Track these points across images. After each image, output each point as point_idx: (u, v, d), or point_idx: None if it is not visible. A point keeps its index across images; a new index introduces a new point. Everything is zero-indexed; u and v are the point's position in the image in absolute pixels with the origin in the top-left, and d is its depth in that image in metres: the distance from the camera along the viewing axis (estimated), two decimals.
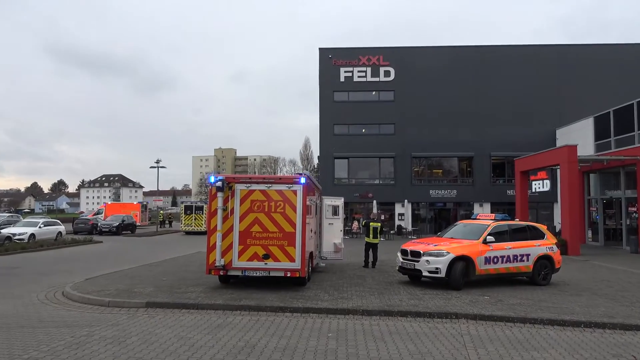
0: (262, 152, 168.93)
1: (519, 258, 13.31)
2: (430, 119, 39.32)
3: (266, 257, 11.66)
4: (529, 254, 13.45)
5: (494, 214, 14.66)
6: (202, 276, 13.81)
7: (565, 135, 35.09)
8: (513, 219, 15.33)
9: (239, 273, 11.92)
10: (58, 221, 32.85)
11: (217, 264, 11.62)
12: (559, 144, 34.97)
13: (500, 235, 13.29)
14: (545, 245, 13.86)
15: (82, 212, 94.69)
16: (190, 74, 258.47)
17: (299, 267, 11.62)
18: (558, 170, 27.49)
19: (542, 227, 14.57)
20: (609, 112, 29.15)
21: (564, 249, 21.59)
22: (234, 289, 11.93)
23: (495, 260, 12.92)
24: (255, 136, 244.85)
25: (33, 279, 14.29)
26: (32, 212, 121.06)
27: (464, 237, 13.41)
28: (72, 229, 38.43)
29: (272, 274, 11.79)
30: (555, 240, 14.38)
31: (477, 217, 15.00)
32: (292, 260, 11.62)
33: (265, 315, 9.75)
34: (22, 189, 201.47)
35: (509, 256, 13.13)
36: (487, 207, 38.58)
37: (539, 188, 29.79)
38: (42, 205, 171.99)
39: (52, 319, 9.35)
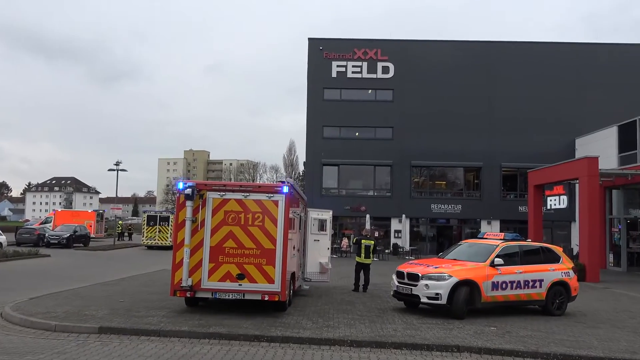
0: (239, 156, 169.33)
1: (530, 284, 13.39)
2: (433, 123, 39.63)
3: (241, 277, 11.61)
4: (542, 280, 13.55)
5: (503, 233, 14.74)
6: (166, 298, 13.68)
7: (586, 146, 35.58)
8: (525, 239, 15.43)
9: (208, 295, 11.85)
10: None
11: (183, 284, 11.54)
12: (578, 155, 35.43)
13: (510, 258, 13.37)
14: (561, 270, 13.98)
15: (28, 221, 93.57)
16: (158, 63, 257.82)
17: (279, 290, 11.58)
18: (577, 185, 27.82)
19: (558, 249, 14.70)
20: (635, 120, 29.64)
21: (582, 274, 21.79)
22: (203, 314, 11.84)
23: (504, 285, 12.99)
24: (232, 137, 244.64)
25: None
26: None
27: (469, 259, 13.47)
28: (15, 240, 37.90)
29: (248, 296, 11.73)
30: (571, 265, 14.50)
31: (485, 237, 15.08)
32: (271, 281, 11.59)
33: (238, 345, 9.68)
34: None
35: (519, 281, 13.21)
36: (496, 225, 38.87)
37: (555, 205, 30.07)
38: None
39: None
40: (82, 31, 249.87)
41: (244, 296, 11.71)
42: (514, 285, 13.14)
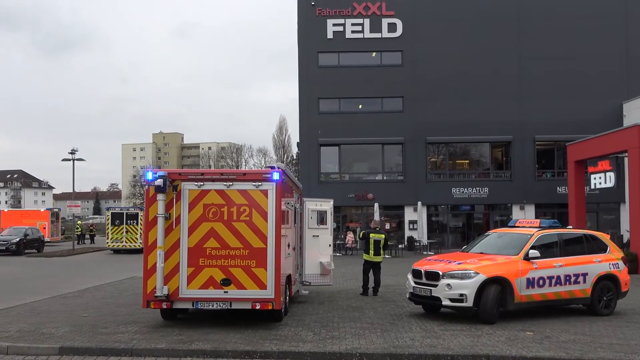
0: (219, 138, 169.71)
1: (572, 279, 13.47)
2: (452, 90, 39.59)
3: (226, 282, 11.67)
4: (587, 274, 13.64)
5: (539, 220, 14.81)
6: (138, 310, 13.77)
7: (636, 111, 35.59)
8: (565, 226, 15.52)
9: (188, 305, 11.91)
10: None
11: (158, 293, 11.59)
12: (626, 122, 35.46)
13: (547, 249, 13.45)
14: (609, 262, 14.07)
15: None
16: (113, 28, 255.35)
17: (272, 297, 11.64)
18: (626, 159, 27.84)
19: (605, 237, 14.79)
20: None
21: (634, 265, 21.91)
22: (183, 328, 11.92)
23: (541, 282, 13.07)
24: (209, 116, 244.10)
25: None
26: None
27: (499, 252, 13.56)
28: None
29: (235, 305, 11.79)
30: (621, 255, 14.61)
31: (517, 225, 15.14)
32: (263, 286, 11.64)
33: None
34: None
35: (559, 276, 13.29)
36: (531, 210, 39.05)
37: (601, 184, 30.13)
38: None
39: None
40: None
41: (230, 305, 11.77)
42: (553, 281, 13.22)
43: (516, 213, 38.74)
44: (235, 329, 11.70)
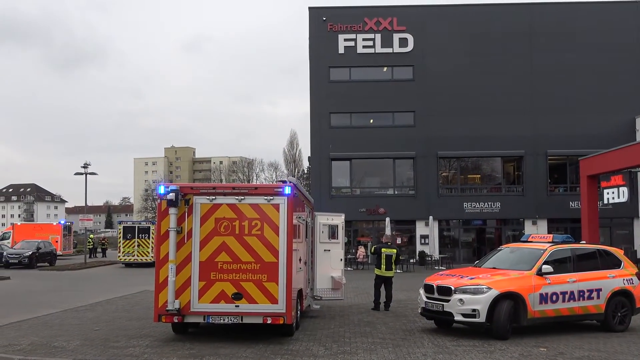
0: (230, 153, 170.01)
1: (586, 295, 13.36)
2: (463, 104, 39.56)
3: (238, 297, 11.67)
4: (601, 289, 13.53)
5: (552, 235, 14.75)
6: (150, 324, 13.78)
7: None
8: (578, 241, 15.41)
9: (200, 319, 11.92)
10: None
11: (169, 307, 11.60)
12: (639, 137, 35.30)
13: (560, 264, 13.38)
14: (623, 277, 13.95)
15: None
16: (126, 42, 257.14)
17: (284, 311, 11.62)
18: (639, 174, 27.68)
19: (618, 252, 14.68)
20: None
21: None
22: (194, 342, 11.92)
23: (555, 297, 12.99)
24: (221, 131, 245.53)
25: None
26: None
27: (511, 267, 13.48)
28: None
29: (247, 320, 11.79)
30: (635, 270, 14.46)
31: (529, 240, 15.09)
32: (274, 301, 11.63)
33: None
34: None
35: (572, 292, 13.19)
36: (543, 225, 38.80)
37: (614, 198, 29.96)
38: None
39: None
40: (29, 4, 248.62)
41: (242, 319, 11.77)
42: (567, 296, 13.13)
43: (528, 228, 38.49)
44: (246, 344, 11.68)
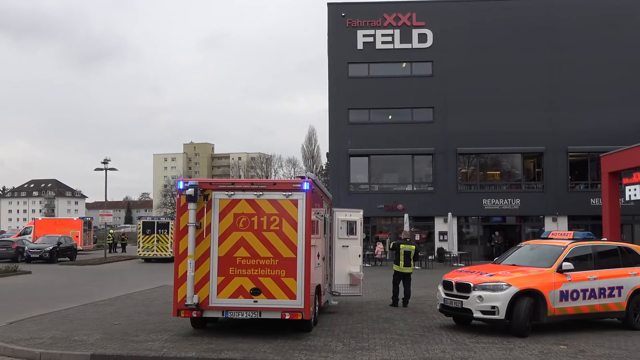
0: (249, 149, 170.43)
1: (607, 292, 13.26)
2: (483, 100, 39.36)
3: (256, 292, 11.70)
4: (622, 287, 13.43)
5: (572, 232, 14.63)
6: (169, 319, 13.87)
7: None
8: (599, 238, 15.27)
9: (218, 314, 11.97)
10: None
11: (188, 302, 11.67)
12: None
13: (581, 261, 13.28)
14: None
15: (3, 232, 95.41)
16: (144, 39, 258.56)
17: (302, 307, 11.64)
18: None
19: None
20: None
21: None
22: (212, 337, 11.98)
23: (575, 295, 12.89)
24: (239, 126, 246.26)
25: None
26: None
27: (531, 264, 13.40)
28: None
29: (265, 315, 11.83)
30: None
31: (550, 236, 14.98)
32: (292, 296, 11.65)
33: None
34: None
35: (593, 290, 13.10)
36: (563, 222, 38.50)
37: (636, 195, 29.63)
38: None
39: None
40: (49, 1, 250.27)
41: (260, 315, 11.81)
42: (587, 294, 13.03)
43: (548, 225, 38.21)
44: (264, 339, 11.72)
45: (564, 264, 12.91)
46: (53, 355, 10.55)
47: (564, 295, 12.74)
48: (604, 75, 38.71)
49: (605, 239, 16.53)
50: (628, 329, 13.40)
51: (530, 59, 39.42)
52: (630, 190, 29.83)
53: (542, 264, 13.16)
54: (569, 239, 14.07)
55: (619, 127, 37.09)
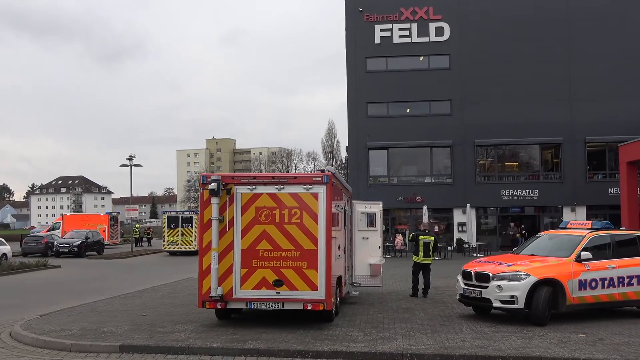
0: (269, 143, 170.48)
1: (626, 281, 13.15)
2: (500, 92, 39.08)
3: (278, 283, 11.77)
4: None
5: (590, 222, 14.52)
6: (194, 310, 13.99)
7: None
8: (617, 228, 15.12)
9: (242, 306, 12.06)
10: (2, 240, 33.59)
11: (213, 293, 11.77)
12: None
13: (600, 251, 13.18)
14: None
15: (33, 228, 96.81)
16: (164, 35, 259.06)
17: (323, 297, 11.69)
18: None
19: None
20: None
21: None
22: (237, 327, 12.07)
23: (594, 284, 12.80)
24: (260, 122, 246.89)
25: None
26: None
27: (550, 254, 13.33)
28: (21, 250, 39.27)
29: (287, 306, 11.89)
30: None
31: (568, 226, 14.88)
32: (314, 287, 11.71)
33: None
34: None
35: (612, 278, 12.99)
36: (582, 212, 38.17)
37: None
38: None
39: None
40: (70, 1, 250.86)
41: (283, 306, 11.87)
42: (606, 283, 12.93)
43: (567, 215, 37.89)
44: (287, 329, 11.77)
45: (583, 253, 12.83)
46: (83, 346, 10.70)
47: (582, 285, 12.66)
48: (621, 66, 38.18)
49: (624, 228, 16.38)
50: None
51: (548, 50, 38.98)
52: None
53: (561, 254, 13.08)
54: (587, 229, 13.96)
55: (636, 117, 36.62)
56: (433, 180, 40.67)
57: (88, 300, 16.50)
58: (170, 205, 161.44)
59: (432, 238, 17.52)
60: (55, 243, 39.64)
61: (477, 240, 37.46)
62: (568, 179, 38.99)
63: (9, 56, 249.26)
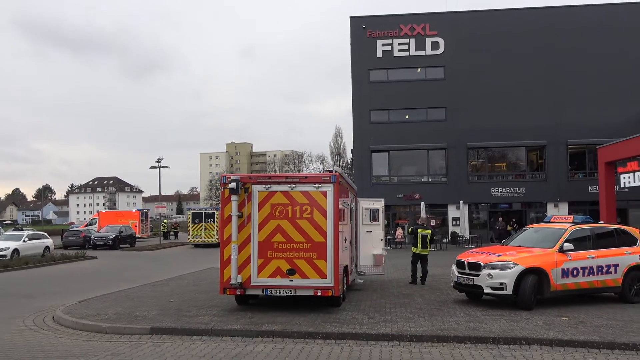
0: (283, 147, 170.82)
1: (604, 269, 13.10)
2: (490, 100, 38.94)
3: (291, 272, 11.79)
4: (618, 265, 13.25)
5: (572, 216, 14.47)
6: (216, 296, 14.03)
7: None
8: (596, 222, 15.05)
9: (259, 292, 12.11)
10: (45, 234, 33.81)
11: (232, 281, 11.82)
12: None
13: (580, 242, 13.13)
14: (638, 254, 13.62)
15: (72, 223, 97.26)
16: (188, 50, 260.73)
17: (332, 285, 11.71)
18: None
19: (634, 231, 14.31)
20: None
21: None
22: (254, 312, 12.11)
23: (575, 272, 12.75)
24: (274, 127, 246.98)
25: (18, 302, 14.78)
26: (14, 223, 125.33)
27: (535, 245, 13.30)
28: (62, 243, 39.45)
29: (299, 292, 11.92)
30: None
31: (552, 220, 14.84)
32: (323, 275, 11.73)
33: (292, 342, 9.87)
34: (2, 197, 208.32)
35: (592, 267, 12.94)
36: (564, 207, 37.97)
37: (630, 182, 29.09)
38: (26, 216, 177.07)
39: (42, 348, 9.69)
40: (104, 19, 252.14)
41: (295, 292, 11.90)
42: (586, 271, 12.89)
43: (550, 210, 37.77)
44: (299, 313, 11.80)
45: (565, 244, 12.80)
46: (117, 328, 10.77)
47: (565, 273, 12.62)
48: (599, 75, 37.98)
49: (602, 222, 16.29)
50: (623, 302, 13.22)
51: (532, 62, 38.83)
52: (624, 178, 29.35)
53: (545, 245, 13.05)
54: (569, 223, 13.94)
55: (614, 121, 36.46)
56: (430, 180, 40.56)
57: (122, 288, 16.61)
58: (194, 203, 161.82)
59: (429, 231, 17.51)
60: (92, 237, 39.89)
61: (470, 233, 37.36)
62: (552, 177, 38.81)
63: (51, 70, 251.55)
